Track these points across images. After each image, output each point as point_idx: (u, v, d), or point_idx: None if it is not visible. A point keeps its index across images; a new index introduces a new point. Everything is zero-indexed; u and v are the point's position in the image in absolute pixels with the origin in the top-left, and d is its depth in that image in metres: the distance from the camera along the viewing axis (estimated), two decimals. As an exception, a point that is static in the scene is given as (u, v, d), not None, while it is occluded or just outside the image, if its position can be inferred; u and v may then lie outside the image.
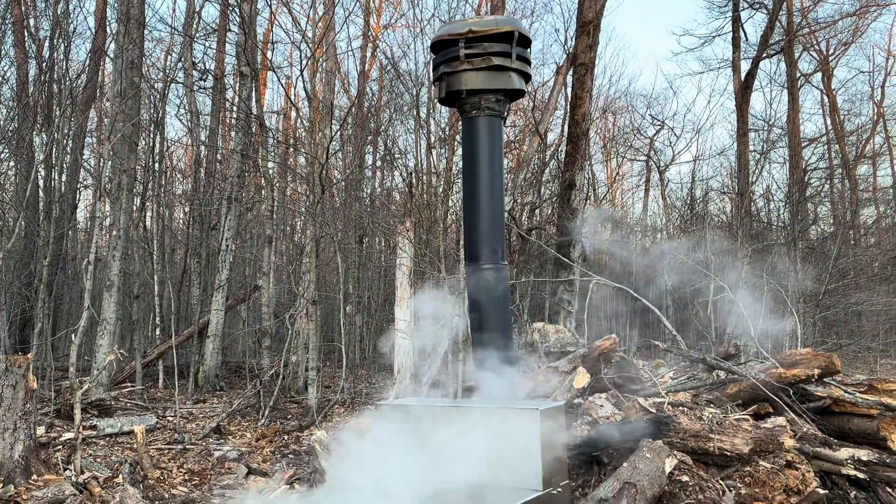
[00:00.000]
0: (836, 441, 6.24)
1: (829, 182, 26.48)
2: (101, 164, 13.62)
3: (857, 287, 18.27)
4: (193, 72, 17.51)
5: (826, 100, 26.53)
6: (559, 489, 2.95)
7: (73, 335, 10.21)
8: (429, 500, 2.80)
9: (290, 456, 9.23)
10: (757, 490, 5.29)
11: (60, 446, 8.76)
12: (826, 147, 26.45)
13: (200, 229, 17.72)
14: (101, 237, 14.70)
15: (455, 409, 3.24)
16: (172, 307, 15.89)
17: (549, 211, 20.88)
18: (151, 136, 16.88)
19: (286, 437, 10.98)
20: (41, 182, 15.85)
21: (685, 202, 24.23)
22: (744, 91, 21.65)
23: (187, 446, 10.26)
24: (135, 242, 16.42)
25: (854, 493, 6.07)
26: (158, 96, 16.80)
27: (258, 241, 21.45)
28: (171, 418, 12.75)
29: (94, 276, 11.81)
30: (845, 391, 6.82)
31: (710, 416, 5.77)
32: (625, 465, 5.19)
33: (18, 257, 15.13)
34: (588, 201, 17.31)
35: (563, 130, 19.33)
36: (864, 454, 5.92)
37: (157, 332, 17.27)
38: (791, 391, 6.76)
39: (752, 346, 11.22)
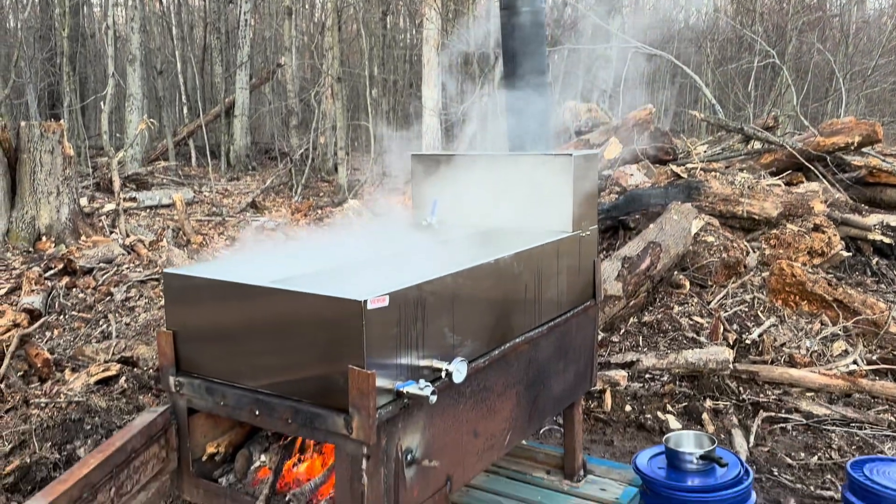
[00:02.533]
0: (866, 208, 6.23)
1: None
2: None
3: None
4: None
5: None
6: (587, 233, 2.99)
7: (101, 103, 10.20)
8: (473, 235, 2.87)
9: (325, 227, 9.57)
10: (781, 251, 5.39)
11: (104, 216, 9.14)
12: None
13: (218, 2, 16.92)
14: (117, 15, 14.13)
15: (487, 157, 3.20)
16: (197, 84, 15.66)
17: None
18: None
19: (320, 212, 11.31)
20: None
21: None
22: None
23: (226, 218, 10.66)
24: (153, 15, 15.80)
25: (876, 259, 6.18)
26: None
27: (277, 17, 20.52)
28: (207, 193, 13.15)
29: (114, 43, 11.51)
30: (883, 160, 6.67)
31: (742, 181, 5.73)
32: (651, 226, 5.27)
33: (37, 32, 14.75)
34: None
35: None
36: (893, 219, 5.93)
37: (185, 111, 17.24)
38: (828, 160, 6.63)
39: (793, 119, 10.89)
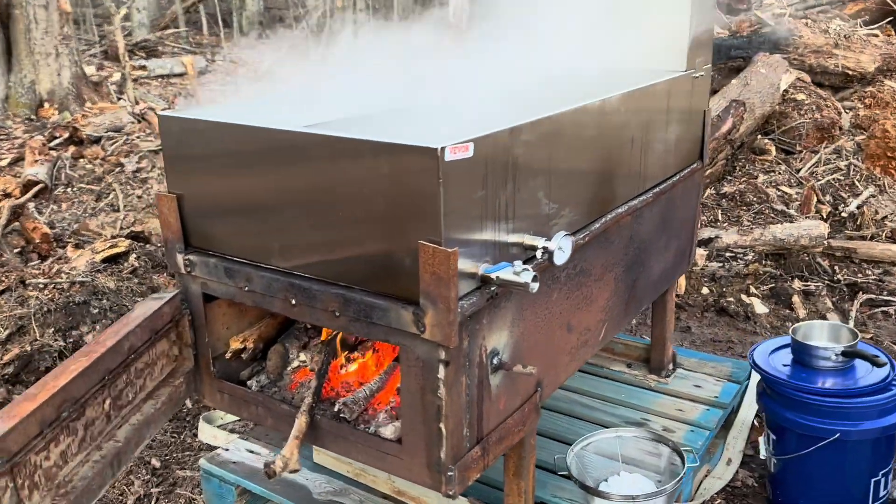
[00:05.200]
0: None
1: None
2: None
3: None
4: None
5: None
6: (702, 73, 2.34)
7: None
8: (551, 78, 2.22)
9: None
10: (878, 111, 4.67)
11: (114, 85, 8.49)
12: None
13: None
14: None
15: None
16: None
17: None
18: None
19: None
20: None
21: None
22: None
23: (241, 89, 9.95)
24: None
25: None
26: None
27: None
28: (220, 63, 12.34)
29: None
30: None
31: (837, 28, 4.91)
32: (734, 81, 4.55)
33: None
34: None
35: None
36: None
37: (193, -28, 16.00)
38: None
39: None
